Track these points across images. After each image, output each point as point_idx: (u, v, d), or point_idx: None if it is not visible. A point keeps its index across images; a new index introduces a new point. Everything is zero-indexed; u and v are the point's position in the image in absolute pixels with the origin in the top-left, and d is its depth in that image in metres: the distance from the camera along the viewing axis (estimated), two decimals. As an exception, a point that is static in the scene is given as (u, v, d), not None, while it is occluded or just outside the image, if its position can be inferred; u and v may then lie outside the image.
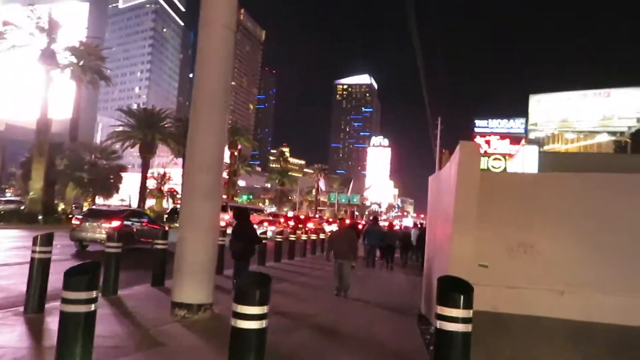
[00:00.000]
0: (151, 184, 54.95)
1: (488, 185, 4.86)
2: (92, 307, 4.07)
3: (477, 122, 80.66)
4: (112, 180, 36.29)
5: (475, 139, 71.68)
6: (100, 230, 15.57)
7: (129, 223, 17.14)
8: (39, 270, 6.61)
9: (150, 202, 53.32)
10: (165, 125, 44.93)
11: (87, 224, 16.32)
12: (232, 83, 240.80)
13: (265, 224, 37.01)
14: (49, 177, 32.79)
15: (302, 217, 54.81)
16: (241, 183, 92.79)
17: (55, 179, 34.63)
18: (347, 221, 17.79)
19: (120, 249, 8.93)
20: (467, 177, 4.83)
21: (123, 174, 42.64)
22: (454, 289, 3.27)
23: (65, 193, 37.72)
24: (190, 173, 7.70)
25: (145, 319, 6.85)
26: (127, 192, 48.60)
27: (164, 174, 53.83)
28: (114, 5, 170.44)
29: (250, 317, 3.57)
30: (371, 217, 23.77)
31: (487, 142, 56.09)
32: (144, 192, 41.97)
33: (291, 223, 43.42)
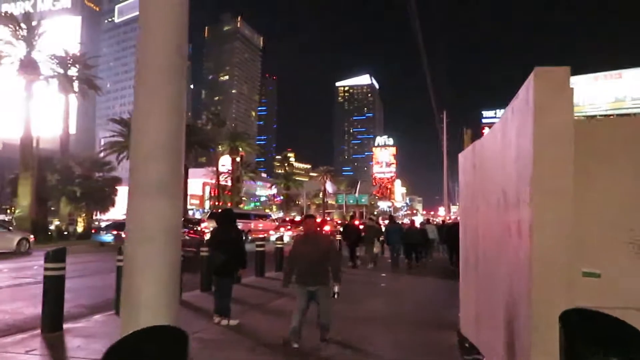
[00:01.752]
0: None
1: (588, 141, 2.86)
2: None
3: (485, 113, 78.68)
4: (107, 194, 34.36)
5: (483, 131, 69.79)
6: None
7: None
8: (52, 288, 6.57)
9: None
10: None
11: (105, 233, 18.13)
12: (233, 91, 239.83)
13: (282, 229, 37.89)
14: (40, 193, 30.97)
15: (318, 220, 53.00)
16: (260, 193, 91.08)
17: (46, 195, 32.79)
18: (332, 221, 16.76)
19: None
20: (552, 127, 2.84)
21: (121, 187, 40.84)
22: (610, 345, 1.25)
23: (60, 209, 35.90)
24: (136, 164, 5.62)
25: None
26: (124, 204, 46.62)
27: (164, 184, 51.90)
28: (110, 19, 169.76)
29: None
30: (388, 216, 23.38)
31: (497, 132, 54.08)
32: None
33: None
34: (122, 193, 45.79)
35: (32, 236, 23.52)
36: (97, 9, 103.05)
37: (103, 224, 31.45)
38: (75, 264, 15.07)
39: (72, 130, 77.88)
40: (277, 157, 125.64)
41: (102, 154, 41.12)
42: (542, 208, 2.88)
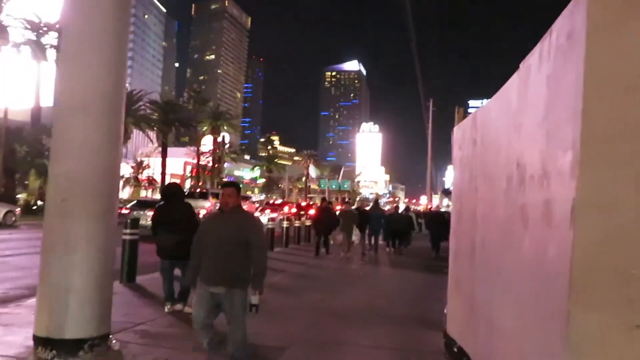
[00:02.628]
0: (129, 172, 51.70)
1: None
2: None
3: (471, 103, 78.33)
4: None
5: (469, 120, 69.34)
6: (147, 218, 16.43)
7: None
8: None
9: (127, 191, 50.11)
10: (140, 109, 41.62)
11: (134, 212, 18.61)
12: (219, 71, 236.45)
13: (268, 211, 36.79)
14: (7, 165, 29.47)
15: (303, 204, 52.22)
16: (239, 174, 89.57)
17: (14, 167, 31.31)
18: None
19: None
20: (613, 63, 1.95)
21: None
22: None
23: (30, 182, 34.41)
24: (59, 118, 4.60)
25: None
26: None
27: (141, 161, 50.51)
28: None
29: None
30: (373, 202, 21.87)
31: (483, 123, 53.88)
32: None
33: (296, 211, 42.27)
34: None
35: (18, 209, 22.78)
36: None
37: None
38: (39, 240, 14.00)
39: (51, 102, 75.56)
40: (262, 139, 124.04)
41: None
42: (593, 183, 1.99)
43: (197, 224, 6.66)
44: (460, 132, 5.34)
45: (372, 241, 16.04)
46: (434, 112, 49.60)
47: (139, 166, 50.40)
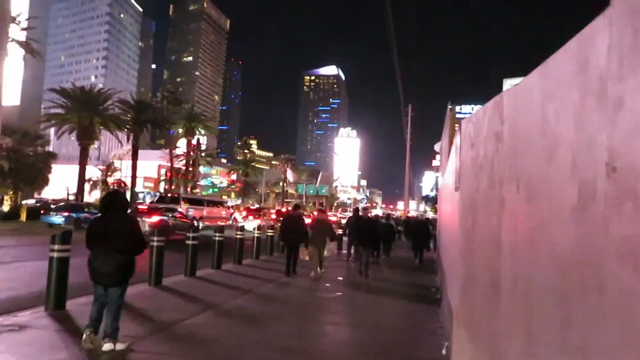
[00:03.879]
0: (97, 175, 49.44)
1: None
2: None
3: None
4: (39, 170, 30.91)
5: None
6: (144, 225, 17.25)
7: (166, 218, 20.22)
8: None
9: (96, 195, 47.84)
10: (109, 108, 39.63)
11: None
12: (197, 73, 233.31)
13: (250, 217, 37.28)
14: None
15: (284, 210, 50.70)
16: (215, 179, 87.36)
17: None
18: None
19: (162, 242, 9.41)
20: None
21: (65, 165, 37.30)
22: None
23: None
24: None
25: None
26: (65, 184, 43.02)
27: (111, 163, 48.32)
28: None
29: None
30: (354, 209, 20.15)
31: (461, 129, 53.45)
32: (82, 184, 36.66)
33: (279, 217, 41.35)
34: (58, 171, 42.15)
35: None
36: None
37: (38, 204, 28.55)
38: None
39: (17, 101, 72.45)
40: (239, 143, 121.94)
41: (42, 127, 37.38)
42: None
43: (141, 242, 5.31)
44: (471, 125, 4.07)
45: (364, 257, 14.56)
46: (413, 118, 48.96)
47: (108, 169, 48.15)
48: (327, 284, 10.57)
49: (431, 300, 8.85)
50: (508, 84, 53.57)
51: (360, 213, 14.40)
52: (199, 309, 7.33)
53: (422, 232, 17.85)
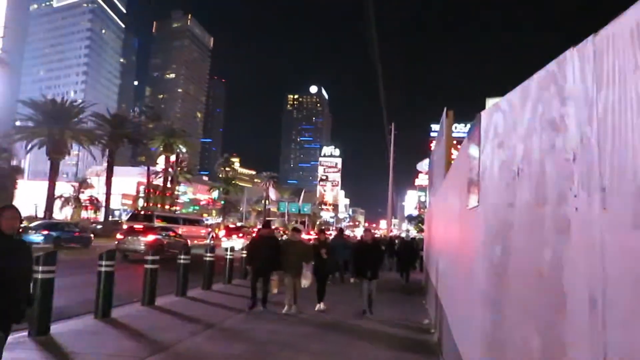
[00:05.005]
0: (69, 191, 47.46)
1: None
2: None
3: (433, 127, 77.51)
4: (2, 186, 29.17)
5: (432, 145, 68.33)
6: (140, 243, 19.39)
7: (160, 237, 20.93)
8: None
9: (67, 212, 45.84)
10: (82, 121, 38.08)
11: (129, 237, 20.39)
12: (179, 90, 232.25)
13: (234, 236, 36.78)
14: None
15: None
16: (191, 196, 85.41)
17: None
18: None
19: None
20: None
21: (36, 182, 35.50)
22: None
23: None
24: None
25: None
26: (35, 201, 41.00)
27: (84, 180, 46.44)
28: (48, 3, 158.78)
29: None
30: (337, 228, 18.94)
31: (443, 147, 53.15)
32: (52, 201, 34.84)
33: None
34: (28, 187, 40.26)
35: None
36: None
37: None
38: None
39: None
40: (220, 160, 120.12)
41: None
42: None
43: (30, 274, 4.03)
44: (499, 116, 2.94)
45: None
46: (396, 136, 48.66)
47: (81, 185, 46.25)
48: (302, 315, 9.25)
49: (427, 346, 7.18)
50: (490, 103, 53.29)
51: (355, 234, 13.37)
52: (146, 351, 6.02)
53: (409, 252, 18.19)
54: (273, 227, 13.99)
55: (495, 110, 3.01)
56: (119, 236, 21.46)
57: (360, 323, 8.81)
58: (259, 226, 59.24)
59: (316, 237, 11.87)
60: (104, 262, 8.02)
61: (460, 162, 4.54)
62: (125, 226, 30.72)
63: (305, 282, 9.47)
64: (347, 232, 68.54)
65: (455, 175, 5.05)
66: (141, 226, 23.43)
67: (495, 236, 2.87)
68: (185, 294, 10.83)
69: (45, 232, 23.75)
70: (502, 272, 2.71)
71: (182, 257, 11.28)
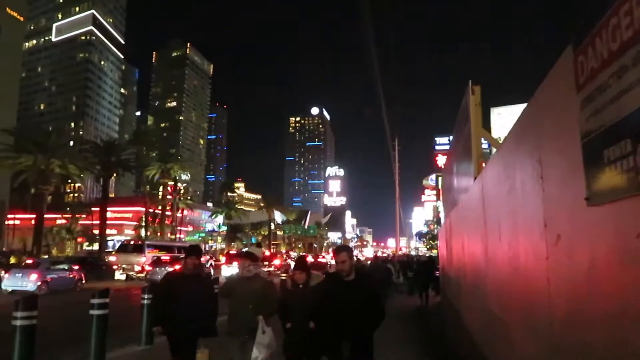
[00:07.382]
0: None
1: None
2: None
3: (438, 140, 75.42)
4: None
5: (437, 158, 66.08)
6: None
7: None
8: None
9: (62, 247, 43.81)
10: (71, 150, 36.37)
11: (157, 269, 22.02)
12: (181, 118, 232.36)
13: (235, 263, 33.46)
14: None
15: (267, 253, 46.86)
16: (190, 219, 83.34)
17: None
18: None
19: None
20: None
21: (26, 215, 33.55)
22: None
23: None
24: None
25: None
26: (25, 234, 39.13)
27: (79, 211, 44.53)
28: (47, 38, 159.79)
29: None
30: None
31: (449, 160, 51.30)
32: (39, 236, 32.85)
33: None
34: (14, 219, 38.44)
35: None
36: (22, 19, 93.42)
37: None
38: None
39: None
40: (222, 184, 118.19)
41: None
42: None
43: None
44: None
45: None
46: (400, 152, 46.96)
47: (73, 215, 44.36)
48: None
49: None
50: (495, 112, 52.15)
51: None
52: None
53: (426, 272, 15.78)
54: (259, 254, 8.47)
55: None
56: (147, 267, 23.80)
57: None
58: (233, 251, 45.21)
59: (299, 270, 5.38)
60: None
61: (508, 142, 2.44)
62: (114, 257, 28.66)
63: (261, 354, 4.85)
64: (355, 252, 65.99)
65: (497, 162, 2.95)
66: (168, 257, 25.02)
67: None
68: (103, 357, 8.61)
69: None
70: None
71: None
